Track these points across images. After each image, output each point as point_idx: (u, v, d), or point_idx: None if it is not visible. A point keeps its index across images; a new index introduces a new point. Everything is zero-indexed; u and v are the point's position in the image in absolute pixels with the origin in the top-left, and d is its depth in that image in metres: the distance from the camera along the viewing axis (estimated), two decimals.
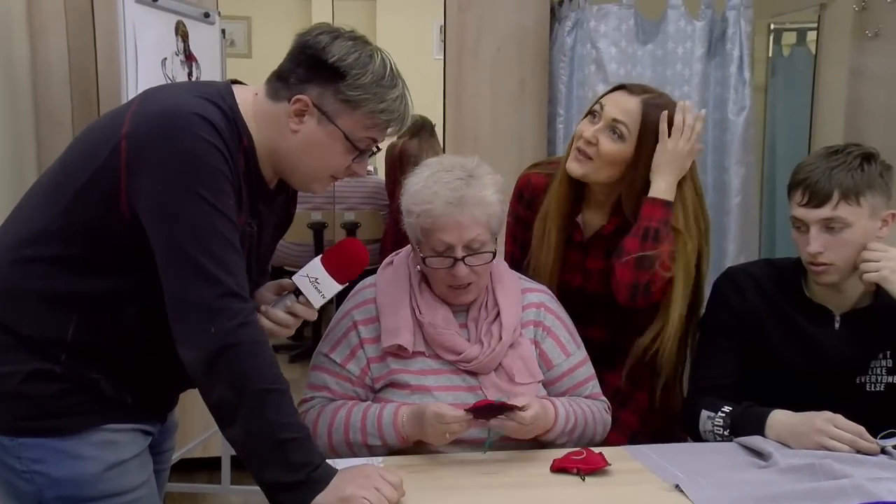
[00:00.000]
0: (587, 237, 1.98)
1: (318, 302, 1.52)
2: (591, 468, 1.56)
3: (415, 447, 1.66)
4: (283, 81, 1.44)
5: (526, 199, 2.01)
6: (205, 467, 3.25)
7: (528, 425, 1.59)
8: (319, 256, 1.52)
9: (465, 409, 1.56)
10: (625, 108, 1.85)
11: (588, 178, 1.89)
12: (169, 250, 1.33)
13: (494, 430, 1.61)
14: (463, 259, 1.67)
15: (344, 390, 1.72)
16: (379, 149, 1.52)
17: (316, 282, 1.50)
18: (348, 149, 1.44)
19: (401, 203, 1.73)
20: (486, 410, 1.57)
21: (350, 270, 1.53)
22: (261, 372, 1.34)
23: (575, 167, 1.87)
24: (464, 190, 1.66)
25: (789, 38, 3.68)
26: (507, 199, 1.80)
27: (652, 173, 1.85)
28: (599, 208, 1.96)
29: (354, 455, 1.65)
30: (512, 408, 1.57)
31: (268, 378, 1.35)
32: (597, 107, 1.89)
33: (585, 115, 1.92)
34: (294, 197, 1.67)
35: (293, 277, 1.53)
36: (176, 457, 2.77)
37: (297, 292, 1.52)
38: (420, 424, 1.59)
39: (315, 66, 1.41)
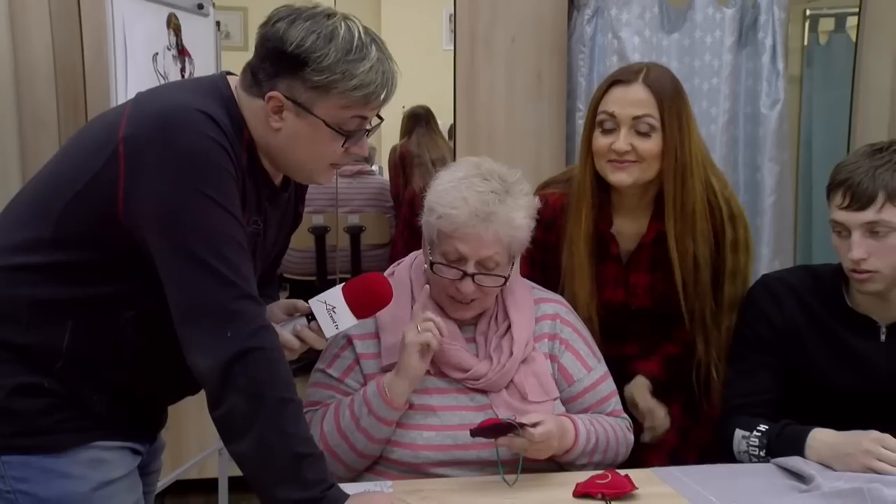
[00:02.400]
0: (625, 249, 1.97)
1: (330, 331, 1.52)
2: (618, 493, 1.55)
3: (423, 469, 1.65)
4: (254, 77, 1.43)
5: (545, 221, 1.98)
6: (201, 489, 3.25)
7: (538, 443, 1.57)
8: (342, 285, 1.52)
9: (470, 430, 1.56)
10: (635, 100, 1.84)
11: (640, 182, 1.88)
12: (176, 254, 1.33)
13: (502, 450, 1.60)
14: (473, 276, 1.67)
15: None
16: (381, 118, 1.50)
17: (333, 310, 1.51)
18: (335, 135, 1.43)
19: (428, 194, 1.72)
20: (490, 430, 1.56)
21: (371, 307, 1.54)
22: (281, 379, 1.35)
23: (623, 177, 1.86)
24: (495, 206, 1.65)
25: (827, 25, 3.66)
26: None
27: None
28: (634, 214, 1.95)
29: (350, 445, 1.65)
30: (520, 425, 1.55)
31: (286, 387, 1.36)
32: (602, 116, 1.86)
33: (590, 129, 1.89)
34: (302, 195, 1.68)
35: (310, 301, 1.53)
36: (171, 478, 2.80)
37: (311, 317, 1.52)
38: (401, 358, 1.62)
39: (277, 58, 1.39)
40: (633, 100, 1.84)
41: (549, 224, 1.97)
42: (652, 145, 1.84)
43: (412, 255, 1.85)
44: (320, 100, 1.40)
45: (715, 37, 3.02)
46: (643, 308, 1.96)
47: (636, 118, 1.83)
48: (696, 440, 2.00)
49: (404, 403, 1.65)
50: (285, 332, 1.51)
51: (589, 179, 1.90)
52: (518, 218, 1.68)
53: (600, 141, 1.87)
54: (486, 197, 1.65)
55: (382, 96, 1.43)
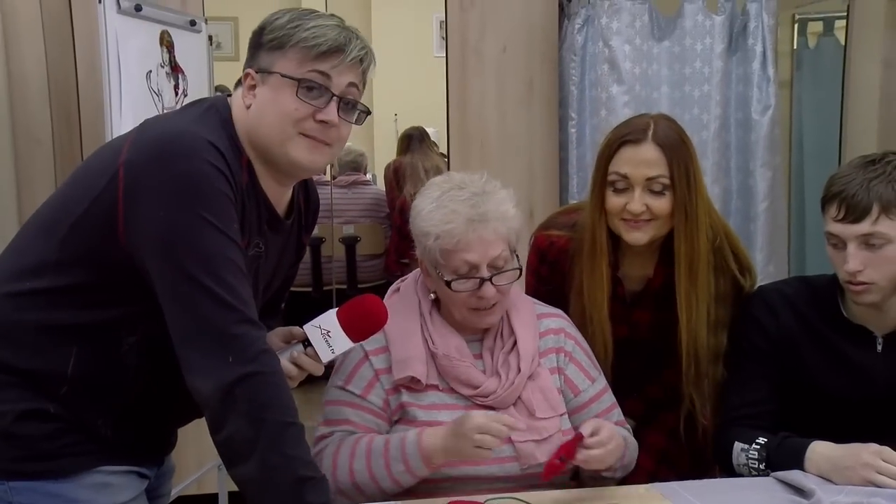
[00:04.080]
0: (630, 289, 1.99)
1: (326, 357, 1.51)
2: (570, 449, 1.58)
3: (434, 485, 1.65)
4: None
5: (550, 260, 2.01)
6: None
7: (610, 446, 1.60)
8: (336, 309, 1.51)
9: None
10: (648, 160, 1.83)
11: (655, 239, 1.90)
12: (176, 278, 1.32)
13: (579, 463, 1.61)
14: (490, 279, 1.67)
15: (366, 422, 1.71)
16: (368, 111, 1.50)
17: (328, 335, 1.49)
18: (293, 87, 1.43)
19: (413, 227, 1.73)
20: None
21: (366, 329, 1.53)
22: (282, 403, 1.35)
23: (639, 236, 1.86)
24: (484, 206, 1.67)
25: (815, 28, 3.67)
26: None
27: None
28: (641, 259, 1.96)
29: (378, 486, 1.64)
30: (573, 444, 1.58)
31: (288, 410, 1.35)
32: (614, 176, 1.86)
33: (601, 187, 1.88)
34: (308, 224, 1.67)
35: (304, 326, 1.52)
36: (172, 495, 2.78)
37: (307, 343, 1.51)
38: (455, 437, 1.57)
39: (251, 44, 1.48)
40: (644, 160, 1.84)
41: (554, 265, 2.00)
42: (665, 204, 1.85)
43: (416, 271, 1.84)
44: (279, 59, 1.44)
45: (705, 44, 3.03)
46: (645, 340, 1.97)
47: (649, 179, 1.84)
48: (689, 441, 2.00)
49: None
50: (283, 360, 1.49)
51: (605, 237, 1.91)
52: (509, 209, 1.70)
53: (613, 201, 1.87)
54: (472, 201, 1.67)
55: (340, 49, 1.44)
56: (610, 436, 1.61)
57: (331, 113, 1.45)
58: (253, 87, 1.46)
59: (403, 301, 1.79)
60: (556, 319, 1.85)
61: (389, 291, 1.85)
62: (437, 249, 1.67)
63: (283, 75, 1.43)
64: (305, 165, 1.48)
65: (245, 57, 1.48)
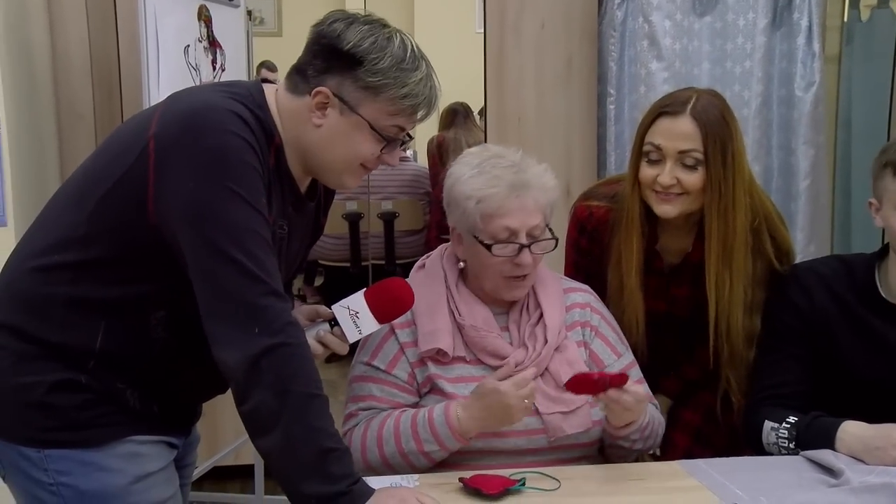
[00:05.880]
0: (668, 262, 1.98)
1: (353, 337, 1.55)
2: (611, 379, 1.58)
3: (461, 457, 1.66)
4: (301, 75, 1.46)
5: (589, 231, 2.01)
6: (237, 476, 3.30)
7: (642, 400, 1.62)
8: (363, 290, 1.54)
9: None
10: (682, 133, 1.82)
11: (686, 213, 1.88)
12: (204, 250, 1.34)
13: (603, 402, 1.61)
14: (529, 246, 1.68)
15: (389, 396, 1.73)
16: (411, 137, 1.53)
17: (356, 316, 1.53)
18: (375, 138, 1.46)
19: (449, 193, 1.73)
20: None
21: (393, 311, 1.57)
22: (307, 375, 1.37)
23: (669, 209, 1.85)
24: (525, 175, 1.69)
25: (869, 0, 3.56)
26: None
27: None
28: (680, 232, 1.95)
29: (409, 464, 1.66)
30: (618, 379, 1.57)
31: (313, 383, 1.37)
32: (648, 147, 1.85)
33: (637, 158, 1.88)
34: (326, 207, 1.69)
35: (332, 307, 1.55)
36: (208, 465, 2.85)
37: (333, 322, 1.54)
38: (485, 408, 1.59)
39: (332, 55, 1.42)
40: (679, 133, 1.82)
41: (593, 235, 2.01)
42: (697, 179, 1.83)
43: (441, 246, 1.86)
44: (368, 101, 1.43)
45: (748, 19, 2.98)
46: (683, 318, 1.96)
47: (682, 152, 1.82)
48: (726, 420, 1.99)
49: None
50: (309, 338, 1.51)
51: (638, 208, 1.90)
52: (549, 180, 1.72)
53: (646, 172, 1.86)
54: (514, 168, 1.69)
55: (427, 110, 1.47)
56: (644, 397, 1.64)
57: (396, 158, 1.51)
58: (324, 105, 1.44)
59: (429, 275, 1.80)
60: (583, 294, 1.86)
61: (415, 268, 1.86)
62: (477, 214, 1.68)
63: (372, 127, 1.44)
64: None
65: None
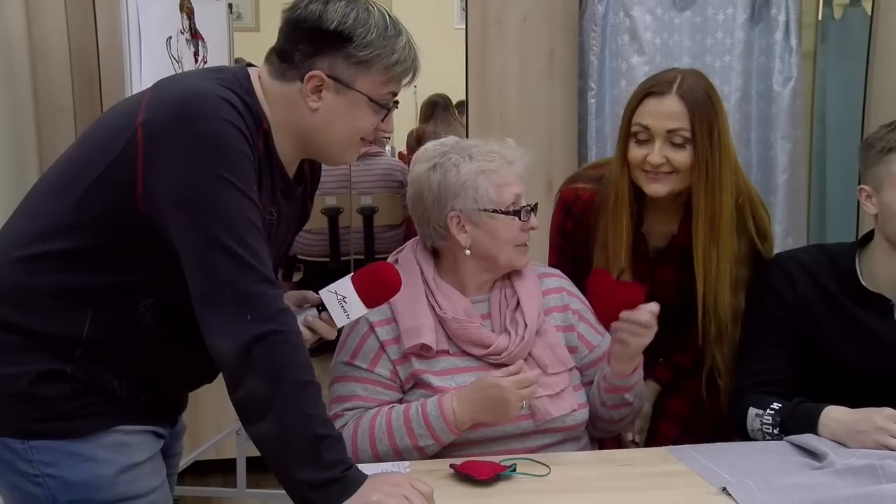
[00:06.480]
0: (654, 246, 2.00)
1: (341, 321, 1.55)
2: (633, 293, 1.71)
3: (451, 446, 1.67)
4: (287, 62, 1.46)
5: (575, 214, 2.02)
6: (219, 470, 3.28)
7: (651, 327, 1.69)
8: (351, 275, 1.55)
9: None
10: (670, 113, 1.84)
11: (675, 192, 1.90)
12: (196, 237, 1.34)
13: (619, 326, 1.71)
14: (533, 209, 1.78)
15: (374, 394, 1.73)
16: (397, 102, 1.54)
17: (343, 300, 1.53)
18: (374, 109, 1.48)
19: (451, 183, 1.72)
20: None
21: (381, 295, 1.57)
22: (300, 362, 1.37)
23: (659, 188, 1.88)
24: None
25: None
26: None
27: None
28: (665, 214, 1.97)
29: (402, 458, 1.66)
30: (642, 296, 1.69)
31: (306, 370, 1.37)
32: (636, 127, 1.87)
33: (625, 139, 1.90)
34: (312, 192, 1.69)
35: (320, 291, 1.55)
36: (189, 459, 2.83)
37: (321, 308, 1.54)
38: (483, 400, 1.61)
39: (318, 37, 1.43)
40: (666, 112, 1.84)
41: (579, 217, 2.02)
42: (686, 157, 1.85)
43: (412, 241, 1.86)
44: (362, 75, 1.44)
45: (727, 14, 3.01)
46: (669, 304, 1.97)
47: (670, 131, 1.84)
48: (712, 408, 2.01)
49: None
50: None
51: (627, 189, 1.92)
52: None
53: (635, 152, 1.88)
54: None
55: (413, 73, 1.49)
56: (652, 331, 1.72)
57: (391, 124, 1.54)
58: (319, 88, 1.45)
59: (405, 270, 1.78)
60: (557, 279, 1.89)
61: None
62: (491, 187, 1.72)
63: (371, 99, 1.46)
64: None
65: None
